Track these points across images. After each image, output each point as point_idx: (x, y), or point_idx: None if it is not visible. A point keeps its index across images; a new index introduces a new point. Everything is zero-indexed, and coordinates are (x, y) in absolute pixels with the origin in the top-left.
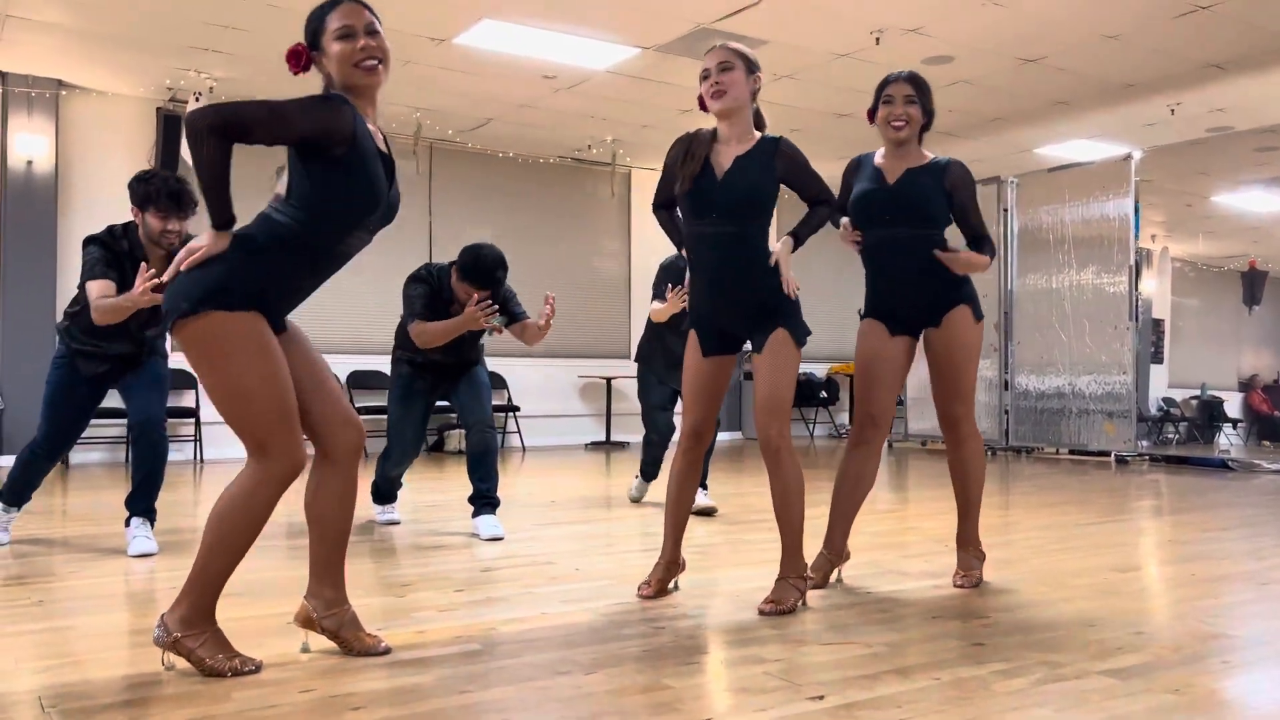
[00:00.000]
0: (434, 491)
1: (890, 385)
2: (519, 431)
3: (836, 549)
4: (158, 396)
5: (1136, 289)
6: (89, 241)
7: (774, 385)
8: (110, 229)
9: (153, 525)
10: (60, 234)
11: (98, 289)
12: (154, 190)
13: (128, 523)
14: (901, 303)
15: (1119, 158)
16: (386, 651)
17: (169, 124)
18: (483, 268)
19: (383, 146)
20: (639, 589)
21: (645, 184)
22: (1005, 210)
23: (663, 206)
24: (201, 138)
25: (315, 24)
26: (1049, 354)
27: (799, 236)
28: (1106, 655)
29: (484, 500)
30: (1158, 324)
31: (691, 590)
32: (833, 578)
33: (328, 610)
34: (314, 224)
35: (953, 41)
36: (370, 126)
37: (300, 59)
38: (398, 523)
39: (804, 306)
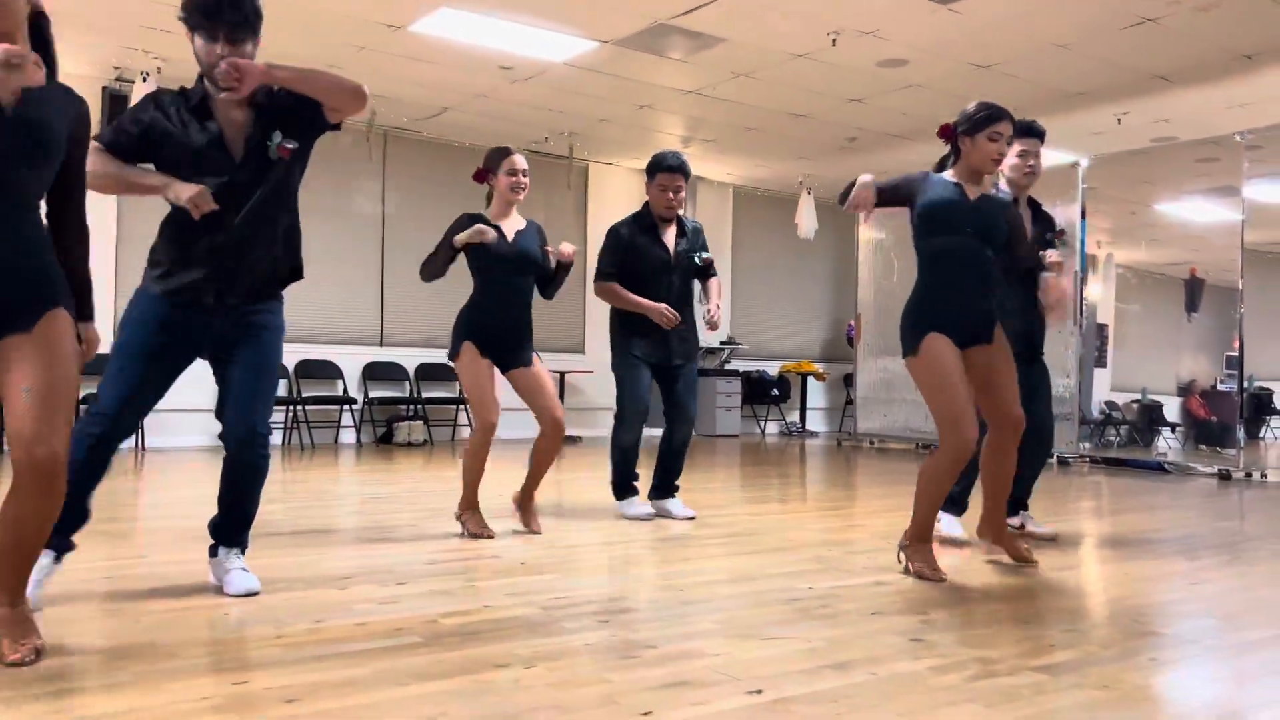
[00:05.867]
0: (381, 484)
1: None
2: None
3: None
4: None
5: (1082, 294)
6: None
7: (553, 387)
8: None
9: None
10: None
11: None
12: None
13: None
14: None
15: (1067, 165)
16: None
17: (115, 103)
18: None
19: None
20: (485, 531)
21: (602, 177)
22: None
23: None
24: None
25: None
26: None
27: None
28: (1039, 652)
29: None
30: (1102, 328)
31: (637, 585)
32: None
33: None
34: None
35: (908, 45)
36: None
37: None
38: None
39: (762, 308)
